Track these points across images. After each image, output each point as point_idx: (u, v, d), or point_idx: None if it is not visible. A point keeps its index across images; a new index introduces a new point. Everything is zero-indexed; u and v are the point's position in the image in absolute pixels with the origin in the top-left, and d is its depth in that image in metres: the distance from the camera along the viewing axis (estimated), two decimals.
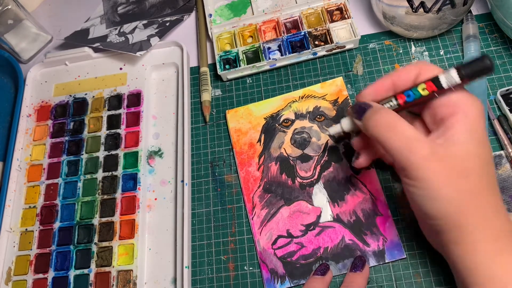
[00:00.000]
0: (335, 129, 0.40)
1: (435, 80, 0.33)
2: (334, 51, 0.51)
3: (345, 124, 0.40)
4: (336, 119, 0.47)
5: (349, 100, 0.48)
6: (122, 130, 0.51)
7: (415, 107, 0.36)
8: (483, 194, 0.32)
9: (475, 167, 0.32)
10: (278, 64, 0.51)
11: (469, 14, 0.48)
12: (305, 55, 0.51)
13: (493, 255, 0.31)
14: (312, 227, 0.43)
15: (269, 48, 0.52)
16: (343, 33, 0.51)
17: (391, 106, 0.36)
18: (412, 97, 0.35)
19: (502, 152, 0.43)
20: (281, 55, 0.51)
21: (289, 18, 0.53)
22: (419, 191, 0.33)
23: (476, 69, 0.32)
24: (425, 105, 0.35)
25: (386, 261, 0.41)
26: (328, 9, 0.53)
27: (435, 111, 0.34)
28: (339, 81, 0.49)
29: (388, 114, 0.34)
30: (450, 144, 0.32)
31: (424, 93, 0.34)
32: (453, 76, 0.33)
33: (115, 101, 0.53)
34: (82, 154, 0.51)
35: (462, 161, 0.32)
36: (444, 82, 0.33)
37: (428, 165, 0.32)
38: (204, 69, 0.53)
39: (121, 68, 0.55)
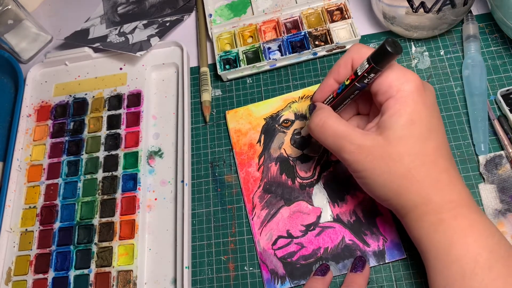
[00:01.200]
0: (304, 130, 0.45)
1: (355, 71, 0.36)
2: (334, 51, 0.50)
3: (304, 130, 0.45)
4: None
5: None
6: (122, 130, 0.51)
7: (363, 104, 0.40)
8: (421, 173, 0.34)
9: (407, 148, 0.33)
10: (278, 64, 0.51)
11: (469, 14, 0.48)
12: (305, 55, 0.50)
13: (435, 225, 0.34)
14: (312, 228, 0.43)
15: (269, 48, 0.52)
16: (343, 33, 0.51)
17: (328, 99, 0.39)
18: (341, 88, 0.37)
19: (502, 152, 0.43)
20: (281, 55, 0.51)
21: (289, 18, 0.53)
22: (361, 180, 0.36)
23: (379, 53, 0.33)
24: (372, 98, 0.37)
25: (386, 261, 0.41)
26: (328, 9, 0.53)
27: (376, 101, 0.36)
28: None
29: (321, 113, 0.37)
30: (380, 132, 0.34)
31: (347, 82, 0.36)
32: (364, 63, 0.34)
33: (115, 101, 0.53)
34: (82, 154, 0.51)
35: (392, 146, 0.34)
36: (358, 69, 0.35)
37: (359, 158, 0.34)
38: (204, 69, 0.53)
39: (121, 68, 0.55)
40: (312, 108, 0.40)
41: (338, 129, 0.36)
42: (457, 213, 0.33)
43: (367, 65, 0.34)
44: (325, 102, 0.40)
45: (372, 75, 0.34)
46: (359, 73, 0.35)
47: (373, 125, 0.36)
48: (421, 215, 0.34)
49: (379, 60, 0.33)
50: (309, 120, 0.39)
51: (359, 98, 0.39)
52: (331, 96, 0.39)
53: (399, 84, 0.34)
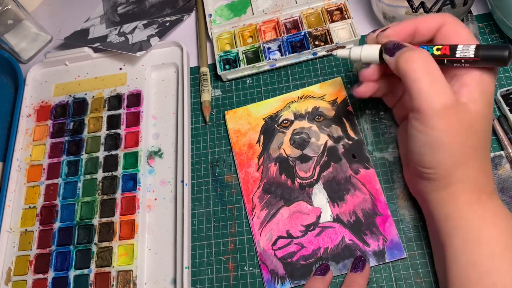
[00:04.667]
0: (349, 52, 0.40)
1: (452, 47, 0.34)
2: (334, 51, 0.50)
3: (366, 52, 0.38)
4: (335, 119, 0.47)
5: (348, 101, 0.48)
6: (122, 130, 0.51)
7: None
8: (479, 153, 0.34)
9: (482, 126, 0.34)
10: (278, 64, 0.51)
11: (469, 14, 0.48)
12: (305, 55, 0.50)
13: (471, 203, 0.34)
14: (312, 228, 0.43)
15: (269, 48, 0.52)
16: (343, 33, 0.51)
17: None
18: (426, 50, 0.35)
19: (502, 152, 0.43)
20: (281, 55, 0.51)
21: (289, 18, 0.53)
22: (426, 137, 0.33)
23: (492, 54, 0.32)
24: None
25: (386, 261, 0.41)
26: (328, 9, 0.53)
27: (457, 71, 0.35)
28: (338, 81, 0.49)
29: (426, 54, 0.34)
30: (466, 101, 0.34)
31: (437, 53, 0.34)
32: (470, 50, 0.33)
33: (115, 101, 0.53)
34: (82, 154, 0.51)
35: (474, 118, 0.33)
36: (459, 51, 0.33)
37: (445, 115, 0.33)
38: (204, 69, 0.53)
39: (121, 68, 0.55)
40: (400, 44, 0.36)
41: (442, 78, 0.33)
42: (491, 197, 0.35)
43: (472, 55, 0.33)
44: None
45: (468, 64, 0.33)
46: (458, 56, 0.33)
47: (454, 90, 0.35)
48: (462, 191, 0.34)
49: (488, 59, 0.32)
50: (397, 54, 0.35)
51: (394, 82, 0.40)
52: None
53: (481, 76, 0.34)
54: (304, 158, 0.46)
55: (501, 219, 0.34)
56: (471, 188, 0.34)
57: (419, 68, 0.33)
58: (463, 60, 0.33)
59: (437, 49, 0.35)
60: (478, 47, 0.33)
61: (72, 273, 0.46)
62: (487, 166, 0.36)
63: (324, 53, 0.50)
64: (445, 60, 0.34)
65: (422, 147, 0.34)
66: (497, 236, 0.33)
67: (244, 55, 0.52)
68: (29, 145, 0.53)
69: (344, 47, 0.50)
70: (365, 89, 0.40)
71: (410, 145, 0.35)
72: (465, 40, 0.35)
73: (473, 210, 0.34)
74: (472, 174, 0.34)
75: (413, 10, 0.44)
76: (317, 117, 0.48)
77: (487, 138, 0.36)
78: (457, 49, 0.34)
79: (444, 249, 0.35)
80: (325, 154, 0.46)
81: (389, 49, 0.36)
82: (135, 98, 0.53)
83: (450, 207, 0.35)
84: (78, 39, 0.59)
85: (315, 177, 0.45)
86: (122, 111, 0.52)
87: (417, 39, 0.37)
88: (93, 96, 0.54)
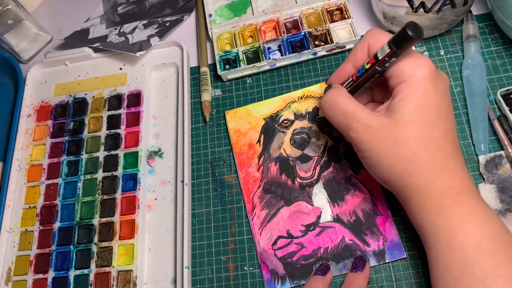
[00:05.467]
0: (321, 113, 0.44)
1: (375, 54, 0.35)
2: (334, 51, 0.50)
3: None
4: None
5: None
6: (122, 130, 0.51)
7: (378, 85, 0.39)
8: (425, 158, 0.34)
9: (414, 132, 0.34)
10: (278, 64, 0.51)
11: (469, 14, 0.48)
12: (305, 55, 0.50)
13: (437, 211, 0.34)
14: (312, 228, 0.43)
15: (269, 48, 0.52)
16: (343, 33, 0.51)
17: (347, 83, 0.39)
18: (360, 72, 0.37)
19: (502, 152, 0.43)
20: (281, 55, 0.51)
21: (289, 18, 0.53)
22: (365, 160, 0.36)
23: (401, 37, 0.33)
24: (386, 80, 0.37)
25: (387, 261, 0.41)
26: (328, 9, 0.53)
27: (389, 85, 0.36)
28: None
29: (334, 91, 0.38)
30: (388, 114, 0.35)
31: (367, 66, 0.36)
32: (385, 47, 0.34)
33: (115, 101, 0.53)
34: (82, 154, 0.51)
35: (399, 129, 0.34)
36: (379, 53, 0.35)
37: (365, 137, 0.35)
38: (204, 69, 0.53)
39: (121, 68, 0.55)
40: (328, 89, 0.40)
41: (347, 107, 0.36)
42: (459, 200, 0.33)
43: (388, 49, 0.34)
44: (344, 86, 0.40)
45: (393, 59, 0.34)
46: (380, 57, 0.35)
47: (383, 108, 0.36)
48: (423, 199, 0.34)
49: (400, 44, 0.33)
50: (321, 98, 0.39)
51: (374, 84, 0.39)
52: (351, 79, 0.39)
53: (412, 69, 0.34)
54: (305, 158, 0.46)
55: (473, 220, 0.33)
56: (433, 194, 0.34)
57: (329, 108, 0.37)
58: (386, 59, 0.34)
59: (367, 63, 0.36)
60: (389, 42, 0.34)
61: (72, 273, 0.46)
62: (446, 166, 0.34)
63: (324, 53, 0.50)
64: (378, 68, 0.35)
65: (368, 167, 0.37)
66: (467, 241, 0.32)
67: (244, 55, 0.52)
68: (29, 145, 0.53)
69: (344, 47, 0.50)
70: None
71: (368, 169, 0.38)
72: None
73: (440, 218, 0.33)
74: (427, 181, 0.34)
75: (413, 10, 0.44)
76: (317, 117, 0.48)
77: (434, 137, 0.34)
78: (377, 53, 0.35)
79: (427, 257, 0.35)
80: (326, 154, 0.46)
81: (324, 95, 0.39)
82: (135, 98, 0.53)
83: (419, 217, 0.35)
84: (78, 39, 0.59)
85: (315, 177, 0.45)
86: (122, 111, 0.52)
87: (359, 65, 0.39)
88: (93, 96, 0.54)
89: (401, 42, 0.33)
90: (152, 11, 0.60)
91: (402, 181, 0.35)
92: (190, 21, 0.59)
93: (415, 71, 0.34)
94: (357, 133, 0.35)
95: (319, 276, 0.40)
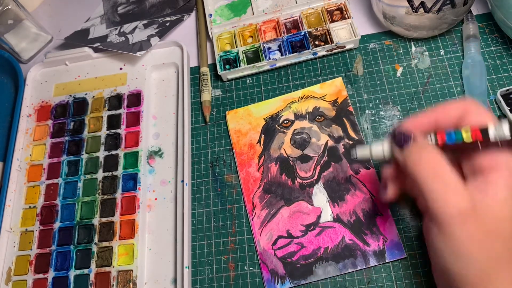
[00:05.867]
0: (363, 152, 0.36)
1: (483, 129, 0.30)
2: (334, 51, 0.51)
3: (377, 150, 0.35)
4: (336, 119, 0.47)
5: (349, 101, 0.48)
6: (122, 130, 0.51)
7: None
8: (509, 259, 0.30)
9: (510, 230, 0.30)
10: (278, 64, 0.51)
11: (469, 14, 0.48)
12: (305, 55, 0.50)
13: None
14: (312, 227, 0.43)
15: (269, 48, 0.52)
16: (343, 33, 0.51)
17: (428, 139, 0.33)
18: (453, 140, 0.31)
19: None
20: (281, 55, 0.51)
21: (289, 18, 0.53)
22: (446, 246, 0.30)
23: None
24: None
25: (387, 260, 0.41)
26: (328, 9, 0.53)
27: (474, 157, 0.31)
28: (338, 81, 0.49)
29: (434, 155, 0.31)
30: (489, 202, 0.29)
31: (467, 139, 0.30)
32: (504, 130, 0.29)
33: (115, 101, 0.53)
34: (82, 154, 0.51)
35: (499, 222, 0.29)
36: (492, 133, 0.29)
37: (462, 222, 0.29)
38: (204, 69, 0.53)
39: (121, 68, 0.55)
40: (408, 136, 0.33)
41: (451, 180, 0.30)
42: None
43: (508, 136, 0.29)
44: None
45: (506, 146, 0.29)
46: (492, 139, 0.29)
47: (475, 189, 0.30)
48: None
49: None
50: (405, 151, 0.32)
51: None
52: (434, 139, 0.32)
53: None
54: (305, 158, 0.46)
55: None
56: None
57: (426, 172, 0.31)
58: (499, 143, 0.29)
59: (466, 132, 0.30)
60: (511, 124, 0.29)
61: (72, 273, 0.46)
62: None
63: (324, 53, 0.50)
64: (479, 145, 0.30)
65: (443, 254, 0.31)
66: None
67: (244, 55, 0.52)
68: (29, 145, 0.53)
69: (344, 47, 0.50)
70: (391, 192, 0.36)
71: (430, 249, 0.33)
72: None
73: None
74: (503, 285, 0.29)
75: (413, 10, 0.44)
76: (317, 117, 0.48)
77: None
78: (489, 130, 0.29)
79: None
80: (326, 154, 0.46)
81: (398, 141, 0.33)
82: (135, 98, 0.53)
83: None
84: (78, 39, 0.59)
85: (315, 177, 0.45)
86: (122, 111, 0.52)
87: (439, 127, 0.33)
88: (93, 96, 0.54)
89: None
90: (152, 11, 0.60)
91: (478, 278, 0.29)
92: (190, 21, 0.59)
93: None
94: (457, 214, 0.29)
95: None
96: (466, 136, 0.30)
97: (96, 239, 0.46)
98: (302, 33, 0.51)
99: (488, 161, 0.30)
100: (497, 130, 0.29)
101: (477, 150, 0.30)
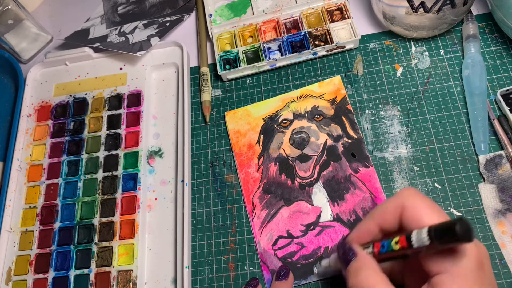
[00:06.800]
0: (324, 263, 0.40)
1: (408, 236, 0.29)
2: (334, 51, 0.51)
3: (333, 262, 0.38)
4: (335, 118, 0.47)
5: (348, 99, 0.48)
6: (122, 130, 0.51)
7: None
8: None
9: None
10: (278, 64, 0.51)
11: (469, 14, 0.48)
12: (305, 55, 0.51)
13: None
14: (312, 227, 0.43)
15: (269, 48, 0.52)
16: (343, 33, 0.51)
17: (369, 252, 0.33)
18: (385, 249, 0.31)
19: (502, 152, 0.43)
20: (281, 55, 0.51)
21: (289, 18, 0.53)
22: None
23: (447, 234, 0.27)
24: None
25: None
26: (328, 9, 0.53)
27: (423, 264, 0.30)
28: (336, 80, 0.49)
29: (370, 276, 0.31)
30: None
31: (396, 248, 0.30)
32: (423, 236, 0.28)
33: (115, 101, 0.54)
34: (82, 154, 0.51)
35: None
36: (414, 240, 0.29)
37: None
38: (204, 69, 0.53)
39: (121, 68, 0.55)
40: (349, 252, 0.33)
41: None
42: None
43: (427, 241, 0.28)
44: (364, 247, 0.34)
45: (431, 251, 0.28)
46: (415, 246, 0.28)
47: None
48: None
49: (443, 239, 0.27)
50: (349, 267, 0.32)
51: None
52: (371, 250, 0.32)
53: (456, 257, 0.28)
54: (304, 158, 0.46)
55: None
56: None
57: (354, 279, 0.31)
58: (424, 250, 0.28)
59: (396, 242, 0.30)
60: (429, 229, 0.28)
61: (73, 273, 0.46)
62: None
63: (324, 53, 0.50)
64: (408, 253, 0.29)
65: None
66: None
67: (244, 55, 0.52)
68: (30, 145, 0.53)
69: (344, 46, 0.50)
70: None
71: None
72: (426, 221, 0.29)
73: None
74: None
75: (413, 10, 0.44)
76: (316, 116, 0.48)
77: None
78: (412, 239, 0.29)
79: None
80: (325, 153, 0.46)
81: (342, 260, 0.34)
82: (135, 98, 0.53)
83: None
84: (78, 39, 0.59)
85: (314, 177, 0.45)
86: (122, 111, 0.53)
87: (387, 231, 0.33)
88: (94, 96, 0.54)
89: (445, 237, 0.27)
90: (152, 11, 0.60)
91: None
92: (190, 21, 0.59)
93: (459, 261, 0.28)
94: None
95: (282, 280, 0.40)
96: (396, 245, 0.30)
97: (96, 239, 0.46)
98: (302, 33, 0.51)
99: (431, 263, 0.29)
100: (417, 236, 0.28)
101: (422, 255, 0.29)
